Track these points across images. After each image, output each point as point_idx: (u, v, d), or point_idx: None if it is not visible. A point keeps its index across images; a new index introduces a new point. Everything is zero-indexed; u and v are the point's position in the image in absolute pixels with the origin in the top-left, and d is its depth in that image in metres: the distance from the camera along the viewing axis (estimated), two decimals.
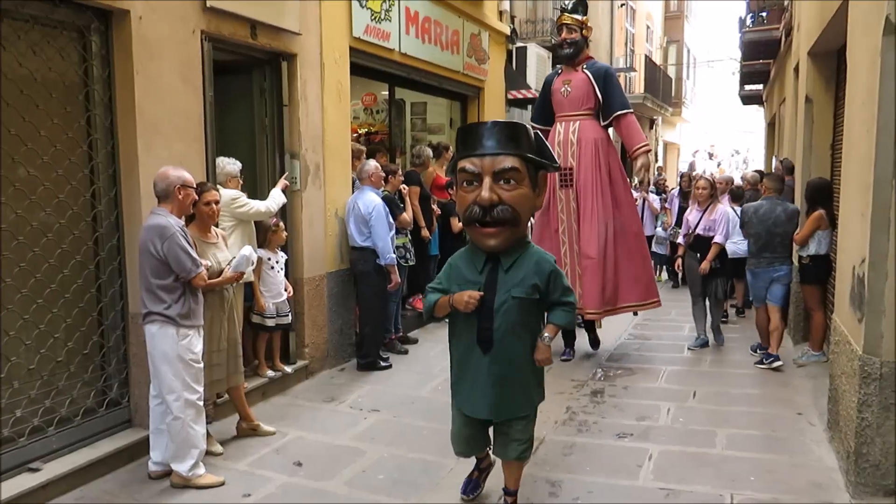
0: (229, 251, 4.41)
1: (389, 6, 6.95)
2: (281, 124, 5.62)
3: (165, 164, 4.02)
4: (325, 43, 5.96)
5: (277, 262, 5.28)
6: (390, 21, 6.97)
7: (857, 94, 4.02)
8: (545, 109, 6.57)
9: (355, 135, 8.36)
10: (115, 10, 4.05)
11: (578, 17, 6.32)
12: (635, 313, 7.13)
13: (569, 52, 6.31)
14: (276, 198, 5.17)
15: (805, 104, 6.94)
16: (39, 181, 3.79)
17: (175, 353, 3.67)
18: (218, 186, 4.56)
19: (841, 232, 4.46)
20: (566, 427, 4.74)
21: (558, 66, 6.71)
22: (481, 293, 2.85)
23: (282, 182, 5.36)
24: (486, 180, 2.72)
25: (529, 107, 10.64)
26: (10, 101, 3.63)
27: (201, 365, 3.82)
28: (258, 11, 5.05)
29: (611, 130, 6.55)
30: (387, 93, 8.36)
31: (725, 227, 6.63)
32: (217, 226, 4.41)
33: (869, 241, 3.45)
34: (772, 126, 14.72)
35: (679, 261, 7.14)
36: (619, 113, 6.22)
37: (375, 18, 6.70)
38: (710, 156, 33.24)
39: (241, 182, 5.05)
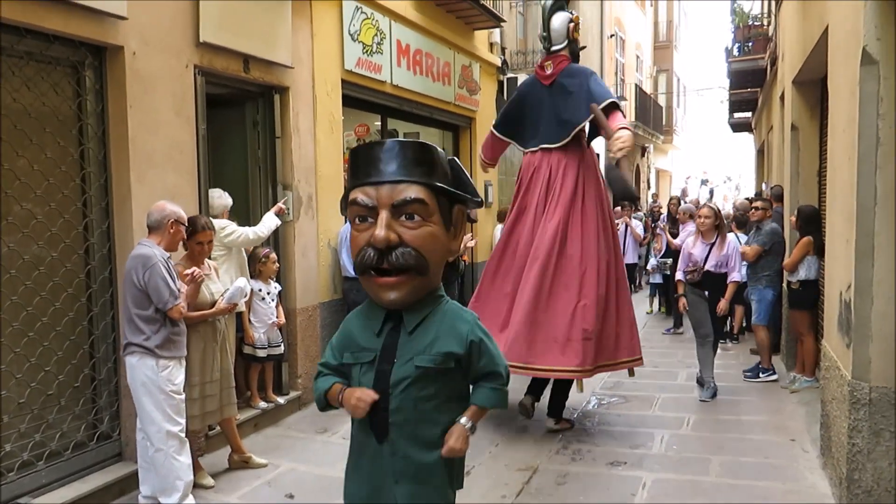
0: (221, 281, 4.43)
1: (381, 39, 7.06)
2: (274, 156, 5.67)
3: (159, 196, 4.06)
4: (318, 76, 6.04)
5: (269, 294, 5.29)
6: (381, 54, 7.08)
7: (838, 123, 4.10)
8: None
9: (348, 164, 8.42)
10: (110, 46, 4.12)
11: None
12: (631, 372, 5.55)
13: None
14: (266, 222, 5.17)
15: (791, 132, 7.05)
16: (32, 215, 3.82)
17: (155, 384, 3.65)
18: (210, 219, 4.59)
19: (828, 258, 4.51)
20: (560, 455, 4.73)
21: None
22: (375, 395, 2.06)
23: (277, 206, 5.36)
24: (383, 215, 2.02)
25: None
26: (4, 136, 3.67)
27: (182, 396, 3.79)
28: (251, 46, 5.13)
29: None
30: (379, 123, 8.45)
31: (739, 261, 6.06)
32: (210, 258, 4.44)
33: (854, 267, 3.49)
34: (761, 153, 14.89)
35: (682, 301, 6.22)
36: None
37: (367, 51, 6.80)
38: (704, 182, 33.41)
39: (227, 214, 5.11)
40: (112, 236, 4.23)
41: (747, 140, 21.99)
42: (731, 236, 6.07)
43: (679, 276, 6.26)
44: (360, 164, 2.14)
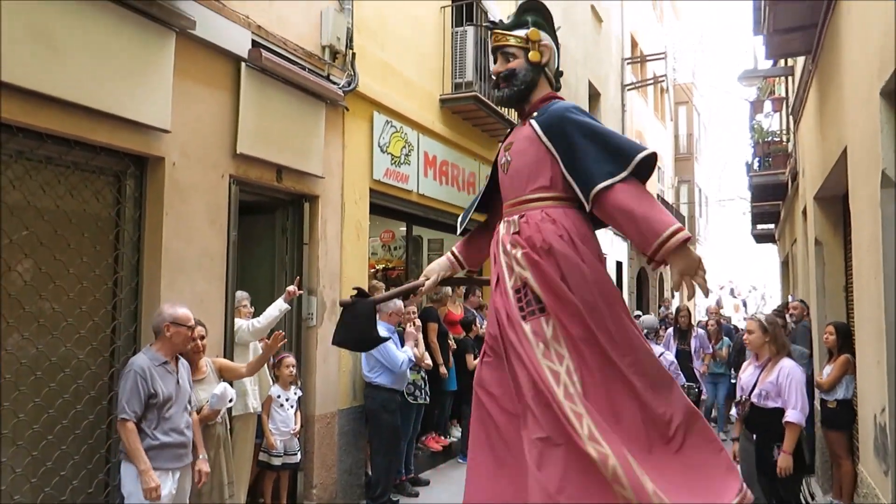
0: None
1: (409, 151, 7.33)
2: (300, 262, 5.79)
3: (187, 300, 4.13)
4: (347, 185, 6.25)
5: (287, 400, 5.23)
6: (409, 164, 7.33)
7: (862, 241, 4.11)
8: (488, 196, 3.32)
9: (373, 270, 8.54)
10: (152, 158, 4.33)
11: (521, 32, 3.08)
12: None
13: (506, 94, 3.14)
14: (266, 312, 4.93)
15: (815, 246, 7.04)
16: (63, 317, 3.90)
17: (136, 494, 3.53)
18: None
19: (860, 379, 4.40)
20: None
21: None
22: None
23: (286, 292, 4.99)
24: None
25: None
26: (45, 241, 3.81)
27: None
28: (285, 157, 5.36)
29: None
30: (405, 230, 8.63)
31: (799, 395, 4.29)
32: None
33: (888, 390, 3.40)
34: (786, 264, 14.82)
35: (734, 447, 4.79)
36: (601, 186, 2.72)
37: (395, 162, 7.05)
38: (733, 292, 33.01)
39: (249, 311, 5.10)
40: (138, 339, 4.27)
41: (772, 250, 21.98)
42: (788, 362, 4.49)
43: (733, 411, 4.98)
44: None
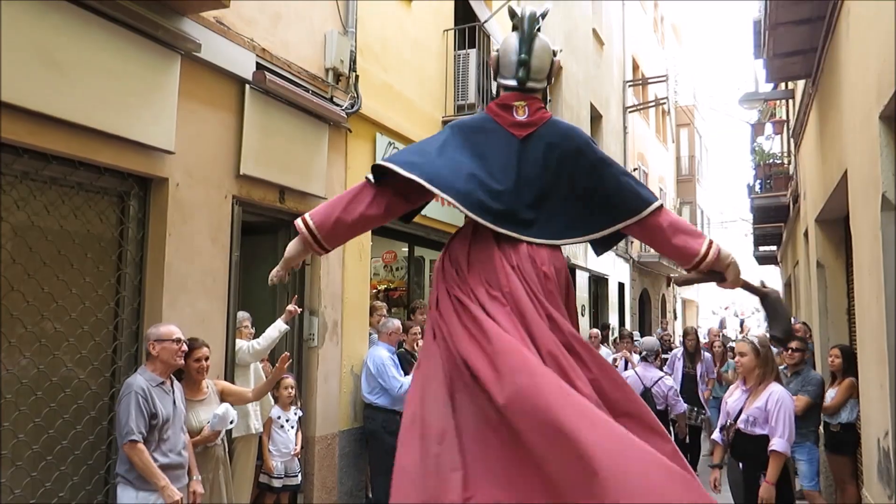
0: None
1: None
2: (302, 282, 5.80)
3: (188, 321, 4.13)
4: None
5: (288, 421, 5.21)
6: None
7: (863, 264, 4.11)
8: None
9: (374, 291, 8.54)
10: (155, 178, 4.36)
11: None
12: None
13: None
14: (266, 333, 4.98)
15: (817, 269, 7.04)
16: (65, 337, 3.90)
17: None
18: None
19: (863, 402, 4.37)
20: None
21: None
22: None
23: (286, 312, 5.06)
24: None
25: None
26: (48, 261, 3.83)
27: None
28: (288, 178, 5.39)
29: None
30: (406, 250, 8.64)
31: (786, 423, 4.03)
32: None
33: (891, 413, 3.38)
34: (788, 286, 14.80)
35: (714, 475, 4.42)
36: None
37: None
38: (737, 315, 32.87)
39: (251, 332, 5.10)
40: (140, 360, 4.26)
41: (774, 272, 21.94)
42: (777, 387, 4.19)
43: (716, 435, 4.58)
44: None
